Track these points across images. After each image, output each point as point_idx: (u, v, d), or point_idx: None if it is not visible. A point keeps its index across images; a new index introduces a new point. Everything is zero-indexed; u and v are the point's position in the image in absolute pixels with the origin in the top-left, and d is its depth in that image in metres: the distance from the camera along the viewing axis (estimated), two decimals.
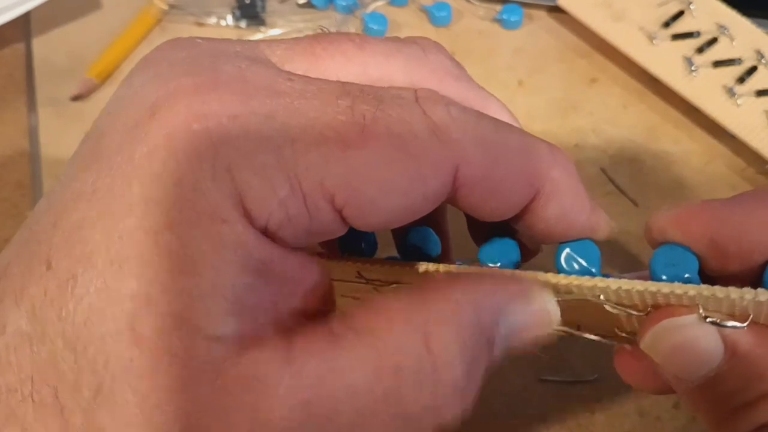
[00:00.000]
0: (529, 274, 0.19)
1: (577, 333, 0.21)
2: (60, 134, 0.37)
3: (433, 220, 0.24)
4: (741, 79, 0.37)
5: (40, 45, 0.41)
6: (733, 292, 0.17)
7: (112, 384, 0.15)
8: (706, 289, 0.18)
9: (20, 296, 0.16)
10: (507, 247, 0.21)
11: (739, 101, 0.36)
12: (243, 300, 0.16)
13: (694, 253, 0.19)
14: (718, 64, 0.37)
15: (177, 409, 0.15)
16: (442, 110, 0.17)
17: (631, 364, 0.21)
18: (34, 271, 0.16)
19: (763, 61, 0.37)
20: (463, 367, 0.17)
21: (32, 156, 0.37)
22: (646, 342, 0.19)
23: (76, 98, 0.39)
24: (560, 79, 0.40)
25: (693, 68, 0.37)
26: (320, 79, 0.17)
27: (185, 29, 0.42)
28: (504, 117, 0.20)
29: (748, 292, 0.17)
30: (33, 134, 0.38)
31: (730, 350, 0.18)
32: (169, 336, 0.15)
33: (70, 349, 0.15)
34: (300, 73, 0.18)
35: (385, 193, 0.16)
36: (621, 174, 0.36)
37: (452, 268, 0.20)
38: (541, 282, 0.19)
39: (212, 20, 0.42)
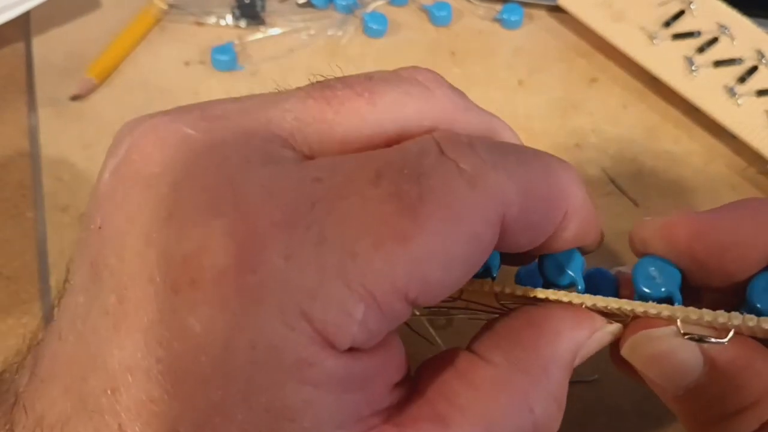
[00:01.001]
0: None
1: None
2: (60, 134, 0.37)
3: None
4: (742, 79, 0.37)
5: (39, 45, 0.41)
6: (721, 315, 0.17)
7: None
8: (680, 311, 0.18)
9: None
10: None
11: (739, 101, 0.36)
12: (347, 422, 0.16)
13: (677, 266, 0.19)
14: (718, 63, 0.37)
15: None
16: (471, 155, 0.17)
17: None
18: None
19: (763, 60, 0.37)
20: (559, 417, 0.18)
21: (32, 156, 0.37)
22: (625, 349, 0.20)
23: (76, 98, 0.39)
24: (560, 79, 0.40)
25: (693, 68, 0.37)
26: (345, 163, 0.16)
27: (185, 29, 0.42)
28: (512, 138, 0.20)
29: (735, 317, 0.17)
30: (33, 134, 0.38)
31: (710, 363, 0.18)
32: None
33: None
34: (315, 145, 0.17)
35: (450, 269, 0.16)
36: (621, 174, 0.36)
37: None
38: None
39: (212, 20, 0.42)
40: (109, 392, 0.15)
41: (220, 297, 0.15)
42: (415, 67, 0.19)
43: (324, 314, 0.15)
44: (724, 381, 0.18)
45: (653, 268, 0.19)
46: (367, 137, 0.18)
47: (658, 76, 0.37)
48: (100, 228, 0.16)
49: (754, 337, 0.18)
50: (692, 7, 0.39)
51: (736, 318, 0.17)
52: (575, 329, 0.19)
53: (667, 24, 0.39)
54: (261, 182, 0.16)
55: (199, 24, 0.42)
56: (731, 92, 0.36)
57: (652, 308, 0.18)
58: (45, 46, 0.41)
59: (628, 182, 0.35)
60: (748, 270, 0.18)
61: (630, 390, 0.29)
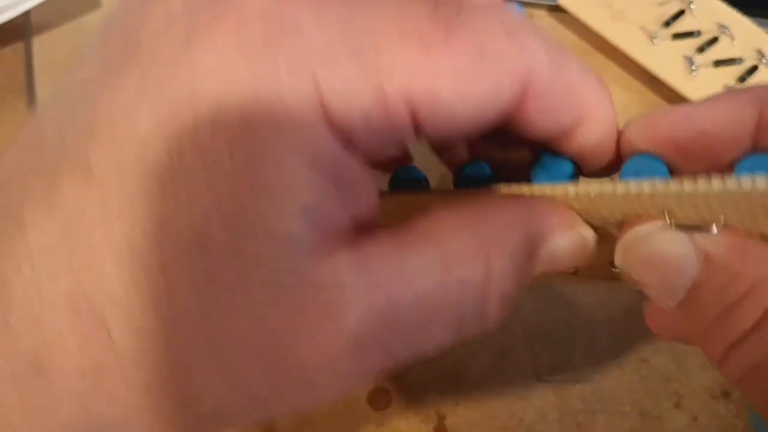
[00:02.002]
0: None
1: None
2: None
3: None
4: (742, 79, 0.37)
5: (39, 44, 0.41)
6: (701, 184, 0.16)
7: (169, 285, 0.14)
8: (661, 185, 0.17)
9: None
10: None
11: None
12: (316, 204, 0.15)
13: (664, 162, 0.19)
14: (718, 63, 0.37)
15: (241, 315, 0.14)
16: (513, 14, 0.17)
17: (661, 317, 0.20)
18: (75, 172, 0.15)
19: (763, 60, 0.37)
20: (513, 280, 0.17)
21: None
22: (617, 258, 0.19)
23: None
24: None
25: (694, 68, 0.37)
26: None
27: None
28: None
29: (716, 182, 0.16)
30: None
31: (705, 257, 0.17)
32: (237, 235, 0.14)
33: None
34: None
35: (464, 100, 0.16)
36: None
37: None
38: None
39: None
40: None
41: (239, 38, 0.14)
42: None
43: (333, 82, 0.15)
44: (722, 273, 0.17)
45: (640, 165, 0.19)
46: None
47: (658, 75, 0.37)
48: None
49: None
50: (692, 6, 0.39)
51: (731, 182, 0.16)
52: (546, 214, 0.19)
53: (667, 24, 0.39)
54: None
55: None
56: None
57: (635, 187, 0.17)
58: (45, 45, 0.41)
59: None
60: (729, 153, 0.18)
61: (630, 390, 0.29)
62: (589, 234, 0.19)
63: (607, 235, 0.20)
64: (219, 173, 0.14)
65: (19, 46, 0.41)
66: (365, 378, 0.16)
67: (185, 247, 0.14)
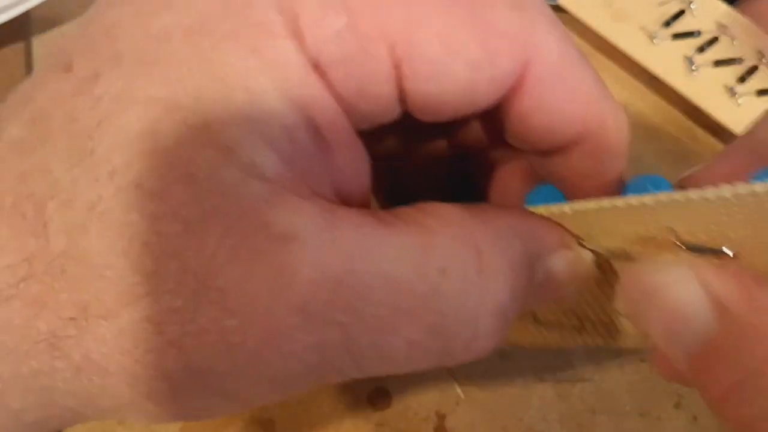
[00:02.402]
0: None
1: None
2: None
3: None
4: (742, 79, 0.37)
5: (39, 45, 0.41)
6: (709, 192, 0.14)
7: (113, 200, 0.12)
8: (666, 197, 0.15)
9: (24, 103, 0.13)
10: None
11: (739, 101, 0.36)
12: (282, 136, 0.13)
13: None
14: (718, 63, 0.37)
15: (184, 236, 0.12)
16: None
17: (669, 365, 0.18)
18: (48, 77, 0.14)
19: (764, 60, 0.37)
20: (509, 287, 0.15)
21: None
22: (619, 301, 0.17)
23: None
24: None
25: (694, 68, 0.37)
26: None
27: None
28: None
29: (726, 188, 0.14)
30: None
31: (718, 306, 0.14)
32: (192, 152, 0.13)
33: (71, 154, 0.13)
34: None
35: (450, 54, 0.14)
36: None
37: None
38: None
39: None
40: None
41: None
42: None
43: (308, 8, 0.13)
44: (736, 330, 0.14)
45: (645, 185, 0.18)
46: None
47: (658, 75, 0.37)
48: None
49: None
50: (692, 6, 0.39)
51: (744, 188, 0.13)
52: (545, 229, 0.17)
53: (668, 24, 0.39)
54: None
55: None
56: (731, 92, 0.36)
57: (637, 200, 0.15)
58: (45, 46, 0.41)
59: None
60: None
61: (630, 390, 0.29)
62: (587, 256, 0.17)
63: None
64: (182, 74, 0.13)
65: (19, 45, 0.41)
66: (322, 370, 0.14)
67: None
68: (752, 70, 0.37)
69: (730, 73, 0.37)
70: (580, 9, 0.40)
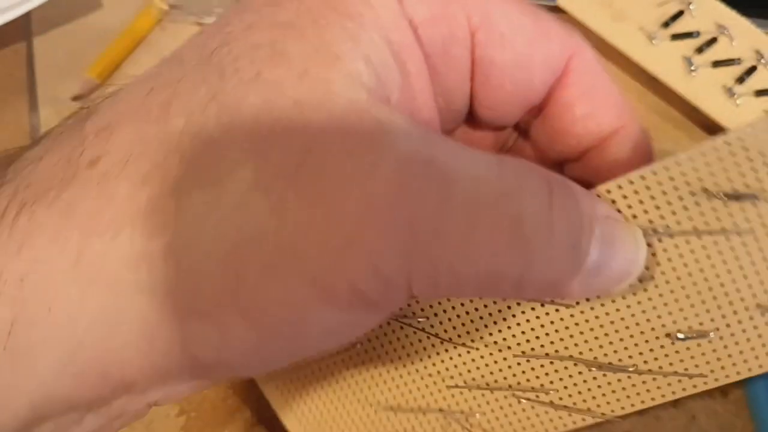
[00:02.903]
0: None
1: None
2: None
3: None
4: (740, 79, 0.37)
5: (40, 45, 0.41)
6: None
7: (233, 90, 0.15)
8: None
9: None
10: None
11: (738, 101, 0.36)
12: (378, 61, 0.16)
13: None
14: (717, 64, 0.37)
15: (291, 125, 0.14)
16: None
17: None
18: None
19: (762, 61, 0.37)
20: (574, 232, 0.16)
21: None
22: None
23: (77, 98, 0.39)
24: None
25: (692, 68, 0.37)
26: None
27: (186, 29, 0.42)
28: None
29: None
30: (34, 134, 0.38)
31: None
32: (307, 56, 0.15)
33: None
34: None
35: (514, 29, 0.18)
36: None
37: None
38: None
39: (212, 20, 0.42)
40: None
41: None
42: None
43: None
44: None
45: None
46: None
47: (657, 76, 0.37)
48: None
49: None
50: (691, 7, 0.39)
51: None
52: (602, 206, 0.17)
53: (666, 24, 0.39)
54: None
55: (200, 24, 0.42)
56: (730, 92, 0.36)
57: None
58: (46, 46, 0.41)
59: None
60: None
61: None
62: (643, 246, 0.18)
63: None
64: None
65: (20, 46, 0.42)
66: (395, 270, 0.14)
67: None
68: (751, 70, 0.37)
69: (729, 73, 0.37)
70: (579, 9, 0.40)
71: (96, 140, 0.15)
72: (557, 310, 0.20)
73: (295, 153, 0.14)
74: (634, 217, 0.19)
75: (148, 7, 0.42)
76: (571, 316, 0.20)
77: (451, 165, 0.15)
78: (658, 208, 0.18)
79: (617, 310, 0.20)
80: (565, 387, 0.22)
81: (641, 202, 0.18)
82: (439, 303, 0.22)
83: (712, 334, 0.20)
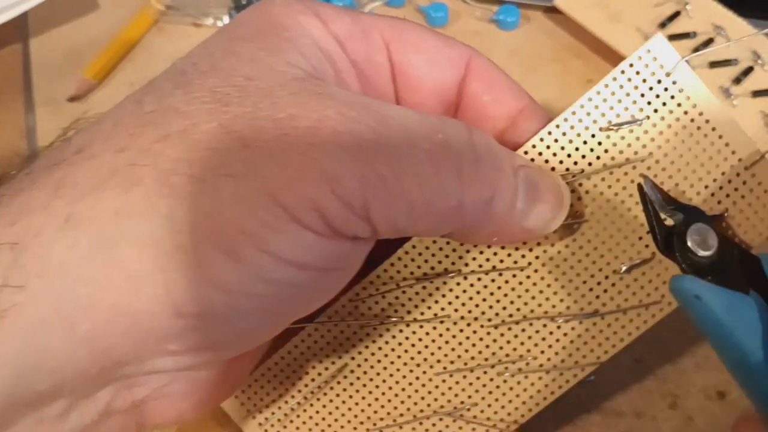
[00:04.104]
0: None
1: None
2: (58, 134, 0.37)
3: None
4: (737, 80, 0.37)
5: (37, 45, 0.41)
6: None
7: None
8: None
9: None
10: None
11: (735, 102, 0.36)
12: (312, 55, 0.19)
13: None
14: (714, 64, 0.37)
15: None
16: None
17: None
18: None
19: (759, 61, 0.37)
20: (497, 156, 0.19)
21: (30, 156, 0.37)
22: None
23: (74, 99, 0.39)
24: (556, 80, 0.40)
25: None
26: None
27: (182, 30, 0.42)
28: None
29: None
30: (31, 135, 0.38)
31: None
32: (255, 52, 0.18)
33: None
34: None
35: (422, 38, 0.21)
36: None
37: None
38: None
39: (209, 21, 0.42)
40: None
41: None
42: None
43: (329, 11, 0.21)
44: None
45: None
46: None
47: None
48: None
49: None
50: (688, 8, 0.39)
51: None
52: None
53: (663, 25, 0.39)
54: None
55: (197, 25, 0.42)
56: (727, 93, 0.36)
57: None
58: (43, 46, 0.41)
59: None
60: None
61: (625, 390, 0.29)
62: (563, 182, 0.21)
63: None
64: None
65: (16, 47, 0.42)
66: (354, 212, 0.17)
67: None
68: (747, 71, 0.37)
69: (726, 74, 0.37)
70: (575, 10, 0.40)
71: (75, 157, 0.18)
72: (514, 276, 0.22)
73: (250, 105, 0.17)
74: (553, 169, 0.21)
75: (145, 8, 0.42)
76: (528, 277, 0.22)
77: (384, 108, 0.18)
78: (569, 156, 0.21)
79: (565, 259, 0.22)
80: (550, 346, 0.23)
81: (554, 154, 0.21)
82: (404, 292, 0.23)
83: (652, 261, 0.21)
